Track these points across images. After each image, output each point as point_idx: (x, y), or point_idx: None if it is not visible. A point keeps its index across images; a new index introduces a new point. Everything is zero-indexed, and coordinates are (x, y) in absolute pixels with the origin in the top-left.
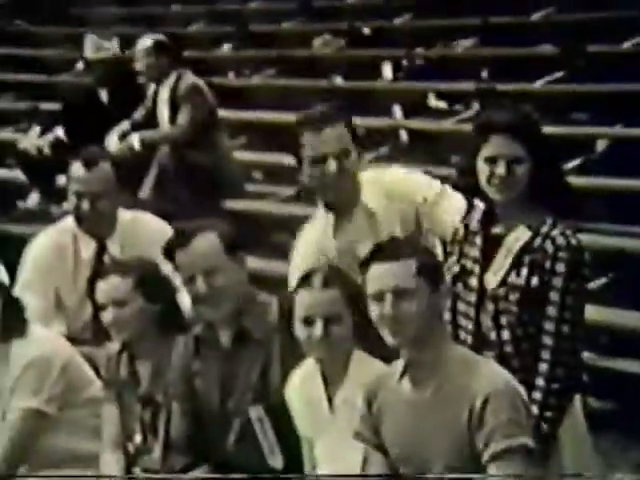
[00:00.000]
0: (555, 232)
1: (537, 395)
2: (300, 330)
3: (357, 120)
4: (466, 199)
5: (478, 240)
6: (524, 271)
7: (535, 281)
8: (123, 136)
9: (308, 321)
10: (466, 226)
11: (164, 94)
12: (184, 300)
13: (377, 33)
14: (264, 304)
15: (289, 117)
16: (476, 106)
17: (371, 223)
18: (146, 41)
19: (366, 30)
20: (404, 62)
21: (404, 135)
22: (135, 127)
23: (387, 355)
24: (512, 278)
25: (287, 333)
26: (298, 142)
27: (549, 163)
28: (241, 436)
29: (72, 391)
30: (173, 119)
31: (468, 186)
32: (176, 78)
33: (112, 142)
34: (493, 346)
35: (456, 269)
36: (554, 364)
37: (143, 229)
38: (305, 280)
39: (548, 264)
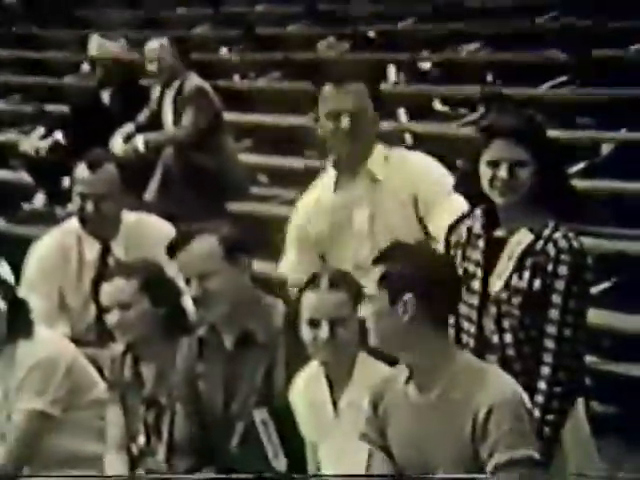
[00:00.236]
0: (557, 235)
1: (539, 398)
2: (306, 332)
3: None
4: (469, 202)
5: (480, 243)
6: (526, 274)
7: (537, 284)
8: (128, 138)
9: (314, 323)
10: (469, 229)
11: (169, 96)
12: (189, 302)
13: (382, 37)
14: (268, 307)
15: (294, 120)
16: (481, 110)
17: (373, 188)
18: (156, 43)
19: (371, 33)
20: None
21: (409, 139)
22: (139, 129)
23: (392, 357)
24: (514, 281)
25: (292, 336)
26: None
27: (553, 166)
28: (245, 439)
29: (76, 393)
30: (178, 121)
31: (471, 189)
32: (181, 81)
33: (117, 144)
34: (495, 349)
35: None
36: (556, 367)
37: (148, 231)
38: (312, 282)
39: (550, 267)
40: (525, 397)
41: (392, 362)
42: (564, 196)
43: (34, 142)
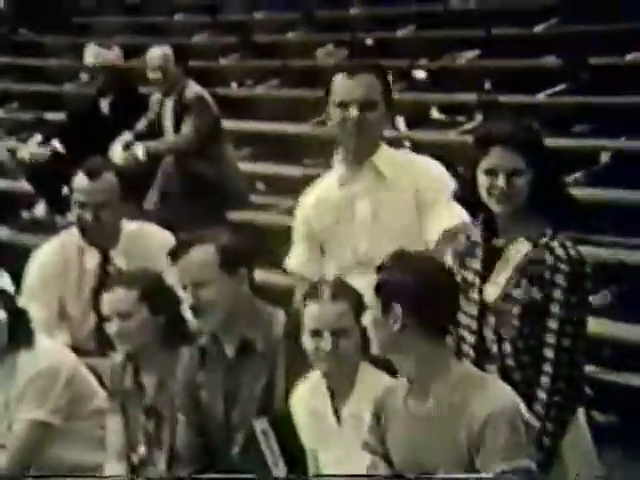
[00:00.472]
0: (554, 243)
1: (538, 408)
2: (308, 342)
3: None
4: (468, 210)
5: (479, 252)
6: (525, 283)
7: (536, 293)
8: (127, 146)
9: (316, 334)
10: (467, 238)
11: (168, 104)
12: (188, 311)
13: (380, 44)
14: (268, 316)
15: (293, 128)
16: (479, 118)
17: (377, 183)
18: (159, 50)
19: (369, 41)
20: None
21: (408, 147)
22: (138, 137)
23: (394, 367)
24: (513, 291)
25: (292, 345)
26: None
27: (550, 174)
28: (245, 448)
29: (77, 402)
30: (177, 129)
31: (468, 198)
32: (181, 88)
33: (116, 152)
34: (495, 359)
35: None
36: (555, 377)
37: (148, 240)
38: (313, 292)
39: (548, 276)
40: (523, 408)
41: (394, 372)
42: (562, 204)
43: (31, 149)
